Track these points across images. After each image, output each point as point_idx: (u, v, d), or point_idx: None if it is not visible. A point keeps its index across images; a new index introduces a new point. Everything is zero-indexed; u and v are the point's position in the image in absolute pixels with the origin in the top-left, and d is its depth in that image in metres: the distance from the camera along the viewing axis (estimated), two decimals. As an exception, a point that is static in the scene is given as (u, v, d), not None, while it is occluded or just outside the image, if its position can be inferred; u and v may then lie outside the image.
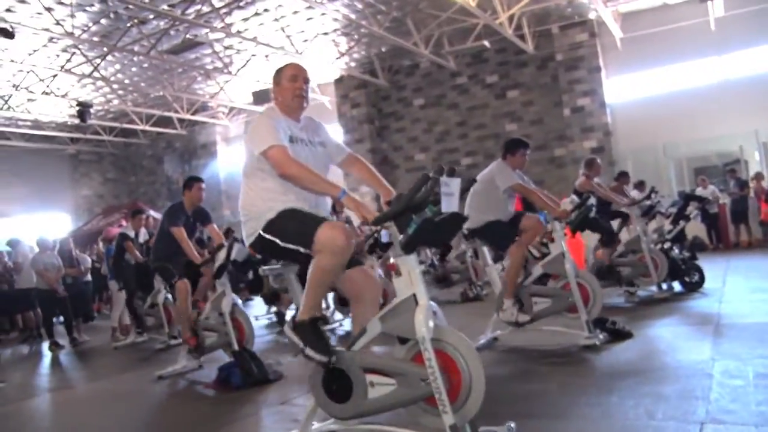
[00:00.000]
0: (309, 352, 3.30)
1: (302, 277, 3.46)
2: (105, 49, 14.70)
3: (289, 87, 3.55)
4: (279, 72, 3.61)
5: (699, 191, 13.32)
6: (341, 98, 19.13)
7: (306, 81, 3.61)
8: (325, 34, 15.97)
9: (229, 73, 17.49)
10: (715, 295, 7.23)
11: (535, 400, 3.95)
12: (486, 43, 15.42)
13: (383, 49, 17.57)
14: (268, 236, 3.39)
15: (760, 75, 14.59)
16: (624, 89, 16.07)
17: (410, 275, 3.11)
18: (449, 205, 3.04)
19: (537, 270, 5.59)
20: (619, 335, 5.38)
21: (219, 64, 16.70)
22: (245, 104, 19.46)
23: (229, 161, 21.52)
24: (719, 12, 14.83)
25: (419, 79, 18.41)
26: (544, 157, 16.79)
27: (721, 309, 6.31)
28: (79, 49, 14.64)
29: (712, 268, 9.43)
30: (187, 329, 6.11)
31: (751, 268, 9.59)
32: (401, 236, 3.02)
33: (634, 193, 11.55)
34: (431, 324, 3.03)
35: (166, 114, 19.91)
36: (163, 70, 17.33)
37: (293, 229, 3.32)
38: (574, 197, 5.57)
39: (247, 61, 17.17)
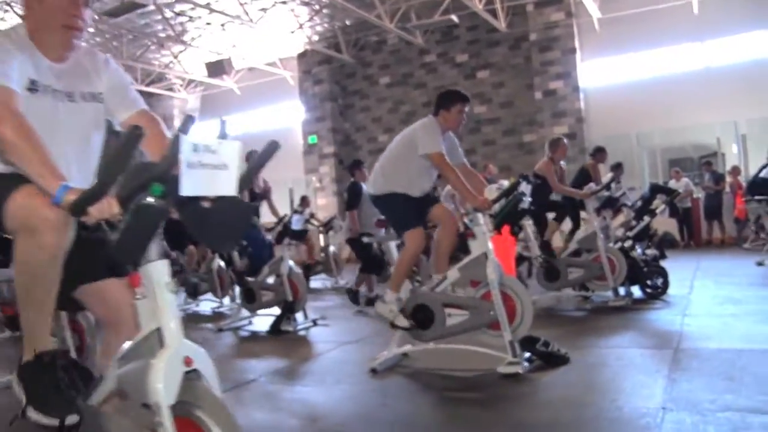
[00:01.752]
0: (31, 413, 2.06)
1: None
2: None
3: (58, 5, 2.19)
4: None
5: (672, 184, 12.14)
6: (303, 74, 17.74)
7: (86, 4, 2.26)
8: (284, 2, 14.59)
9: (183, 42, 16.09)
10: (679, 305, 6.02)
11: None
12: (454, 17, 14.07)
13: (348, 23, 16.22)
14: None
15: (742, 63, 13.37)
16: (599, 73, 14.80)
17: (156, 296, 1.83)
18: (209, 183, 1.74)
19: (452, 274, 4.33)
20: (551, 360, 4.15)
21: (171, 33, 15.27)
22: (203, 76, 18.00)
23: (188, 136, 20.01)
24: (703, -6, 13.59)
25: (386, 56, 17.06)
26: (513, 143, 15.57)
27: (684, 325, 5.09)
28: (11, 6, 13.16)
29: (681, 268, 8.25)
30: None
31: (722, 272, 8.40)
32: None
33: (609, 177, 10.37)
34: (178, 380, 1.76)
35: (121, 84, 18.42)
36: (112, 36, 15.87)
37: None
38: (503, 183, 4.30)
39: (203, 30, 15.82)
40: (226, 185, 1.79)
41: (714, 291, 6.79)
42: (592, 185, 6.45)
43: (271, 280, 6.91)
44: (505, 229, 4.36)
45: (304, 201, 11.73)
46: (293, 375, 4.73)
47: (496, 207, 4.09)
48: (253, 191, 7.12)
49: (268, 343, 6.12)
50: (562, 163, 7.16)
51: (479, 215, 4.16)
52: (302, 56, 17.68)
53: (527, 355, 4.14)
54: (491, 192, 4.13)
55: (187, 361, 1.79)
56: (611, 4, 14.33)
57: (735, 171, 12.68)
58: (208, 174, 1.73)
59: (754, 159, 12.96)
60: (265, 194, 7.33)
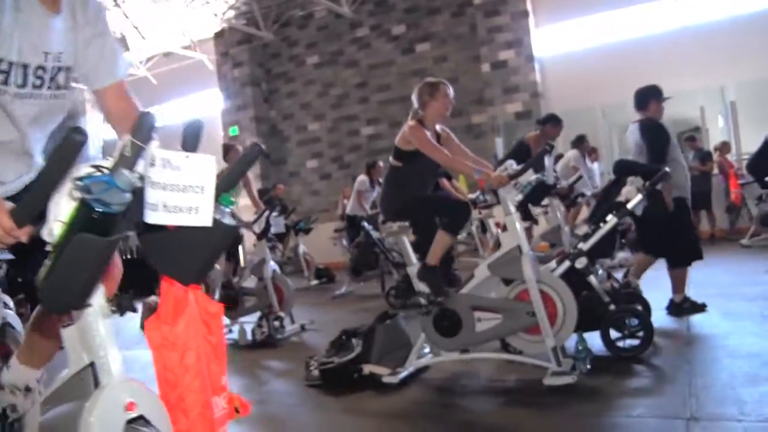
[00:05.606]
0: None
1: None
2: None
3: None
4: None
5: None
6: (221, 56, 14.67)
7: None
8: (179, -34, 11.57)
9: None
10: (675, 383, 3.06)
11: None
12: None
13: (263, -8, 13.20)
14: None
15: (726, 19, 10.46)
16: (556, 40, 11.81)
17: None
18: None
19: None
20: None
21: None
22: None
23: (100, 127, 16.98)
24: (676, -62, 10.66)
25: (313, 32, 13.99)
26: (460, 125, 12.43)
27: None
28: None
29: (666, 284, 5.34)
30: None
31: (727, 288, 5.46)
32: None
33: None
34: None
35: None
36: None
37: None
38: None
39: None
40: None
41: (729, 336, 3.84)
42: (508, 164, 3.41)
43: None
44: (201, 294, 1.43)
45: None
46: None
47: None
48: None
49: None
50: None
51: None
52: (219, 36, 14.61)
53: None
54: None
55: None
56: (568, -45, 11.41)
57: (724, 148, 9.77)
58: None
59: (745, 131, 10.08)
60: None
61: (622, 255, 7.47)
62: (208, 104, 15.09)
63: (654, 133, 4.49)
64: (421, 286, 3.55)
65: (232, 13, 13.72)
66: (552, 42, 11.80)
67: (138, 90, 13.11)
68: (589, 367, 3.37)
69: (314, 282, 9.34)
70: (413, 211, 3.72)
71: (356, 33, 13.52)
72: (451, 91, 3.72)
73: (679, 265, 4.56)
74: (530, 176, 3.29)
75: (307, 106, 14.07)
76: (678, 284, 4.58)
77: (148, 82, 15.60)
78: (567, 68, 11.50)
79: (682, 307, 4.54)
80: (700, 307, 4.56)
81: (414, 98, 3.75)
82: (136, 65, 15.46)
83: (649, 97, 4.66)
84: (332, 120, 13.77)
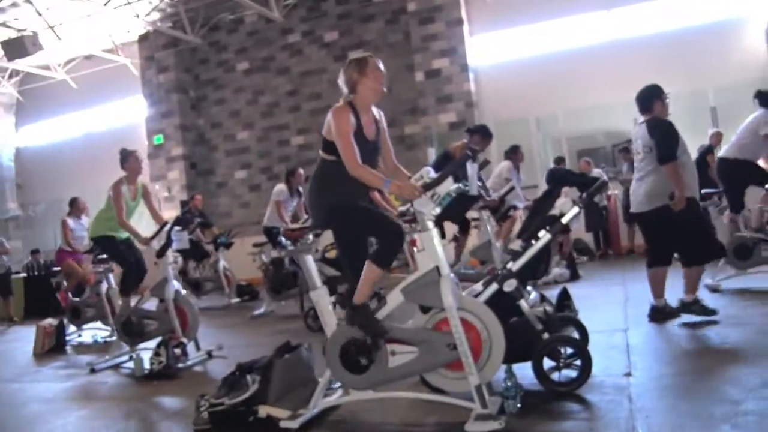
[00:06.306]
0: None
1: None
2: None
3: None
4: None
5: (582, 178, 8.93)
6: (146, 60, 13.82)
7: None
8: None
9: (-21, 18, 11.93)
10: (620, 425, 2.61)
11: None
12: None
13: (190, -6, 12.46)
14: None
15: (657, 33, 10.46)
16: (491, 49, 11.57)
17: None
18: None
19: None
20: None
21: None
22: (28, 65, 13.82)
23: (16, 138, 15.82)
24: (607, -47, 10.57)
25: (244, 38, 13.36)
26: (392, 136, 11.94)
27: None
28: None
29: (602, 301, 4.98)
30: None
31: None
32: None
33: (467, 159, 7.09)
34: None
35: None
36: None
37: None
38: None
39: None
40: None
41: (673, 365, 3.43)
42: (425, 172, 2.88)
43: None
44: None
45: None
46: None
47: None
48: None
49: None
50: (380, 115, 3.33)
51: None
52: (144, 39, 13.77)
53: None
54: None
55: None
56: (502, -34, 11.17)
57: (656, 160, 9.61)
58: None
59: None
60: None
61: (557, 270, 7.11)
62: (131, 111, 14.21)
63: (662, 129, 4.38)
64: (353, 332, 2.95)
65: (156, 15, 12.92)
66: (486, 51, 11.55)
67: (57, 94, 12.06)
68: (519, 405, 2.88)
69: (235, 300, 8.66)
70: (346, 218, 3.15)
71: (287, 39, 12.95)
72: (381, 65, 3.17)
73: (697, 262, 4.50)
74: (449, 186, 2.78)
75: (236, 114, 13.38)
76: (691, 283, 4.48)
77: (67, 86, 14.57)
78: (501, 78, 11.26)
79: (691, 307, 4.46)
80: (711, 311, 4.41)
81: (341, 82, 3.17)
82: (53, 68, 14.44)
83: (652, 98, 4.54)
84: (262, 129, 13.12)
